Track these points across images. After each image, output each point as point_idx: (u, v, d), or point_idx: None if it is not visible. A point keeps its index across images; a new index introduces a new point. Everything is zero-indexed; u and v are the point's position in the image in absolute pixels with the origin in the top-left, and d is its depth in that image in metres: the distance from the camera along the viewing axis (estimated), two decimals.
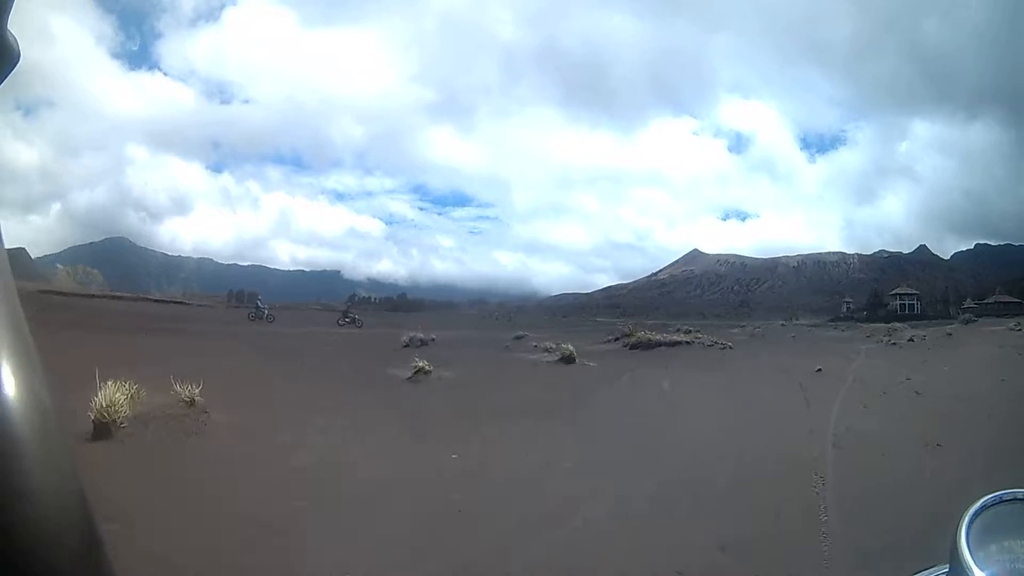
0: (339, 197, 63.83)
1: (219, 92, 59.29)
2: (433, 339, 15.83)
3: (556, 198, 71.47)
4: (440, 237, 61.85)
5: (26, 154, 48.17)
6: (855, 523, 4.40)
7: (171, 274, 59.88)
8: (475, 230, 66.95)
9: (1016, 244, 48.30)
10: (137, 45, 56.86)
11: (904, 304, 42.61)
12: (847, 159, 59.26)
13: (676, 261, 61.41)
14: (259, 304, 29.10)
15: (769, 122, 67.08)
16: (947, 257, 54.64)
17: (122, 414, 5.79)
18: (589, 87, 72.35)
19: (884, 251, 56.46)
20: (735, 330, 27.12)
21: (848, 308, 46.19)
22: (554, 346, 13.81)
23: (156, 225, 56.65)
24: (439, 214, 66.60)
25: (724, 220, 61.98)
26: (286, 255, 60.00)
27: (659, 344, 15.65)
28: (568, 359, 12.68)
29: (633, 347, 15.72)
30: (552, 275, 59.79)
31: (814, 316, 44.42)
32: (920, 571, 0.86)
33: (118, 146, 56.14)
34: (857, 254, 56.97)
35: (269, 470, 5.38)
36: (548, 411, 8.55)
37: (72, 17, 48.85)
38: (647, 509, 4.81)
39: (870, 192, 70.82)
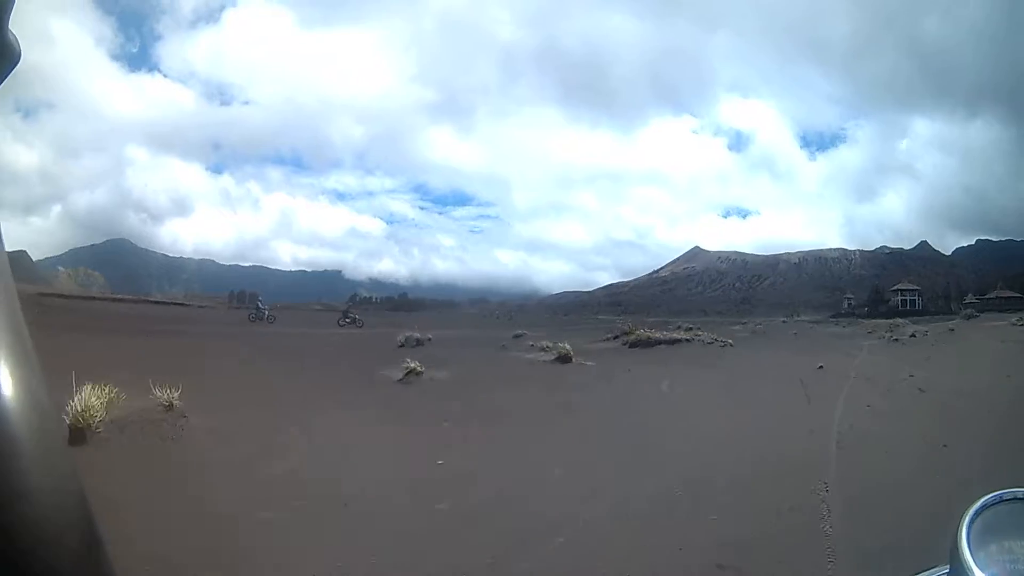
0: (340, 197, 64.17)
1: (219, 93, 59.64)
2: (429, 339, 15.69)
3: (556, 197, 71.77)
4: (441, 236, 62.06)
5: (26, 156, 48.41)
6: (861, 529, 4.21)
7: (172, 275, 59.99)
8: (476, 229, 67.21)
9: (1017, 240, 48.38)
10: (137, 47, 57.22)
11: (905, 300, 42.50)
12: (847, 156, 59.38)
13: (677, 258, 61.44)
14: (259, 305, 29.14)
15: (769, 120, 67.21)
16: (948, 253, 54.70)
17: (98, 419, 5.66)
18: (589, 87, 72.67)
19: (885, 247, 56.47)
20: (736, 327, 26.92)
21: (849, 304, 46.09)
22: (551, 345, 13.63)
23: (157, 227, 56.99)
24: (440, 213, 66.89)
25: (725, 217, 62.28)
26: (287, 255, 60.30)
27: (658, 342, 15.47)
28: (564, 358, 12.50)
29: (632, 345, 15.55)
30: (553, 273, 59.96)
31: (815, 312, 44.25)
32: (920, 571, 0.85)
33: (118, 148, 56.49)
34: (858, 250, 57.00)
35: (239, 478, 5.17)
36: (540, 413, 8.33)
37: (72, 19, 49.14)
38: (639, 521, 4.58)
39: (870, 189, 70.98)
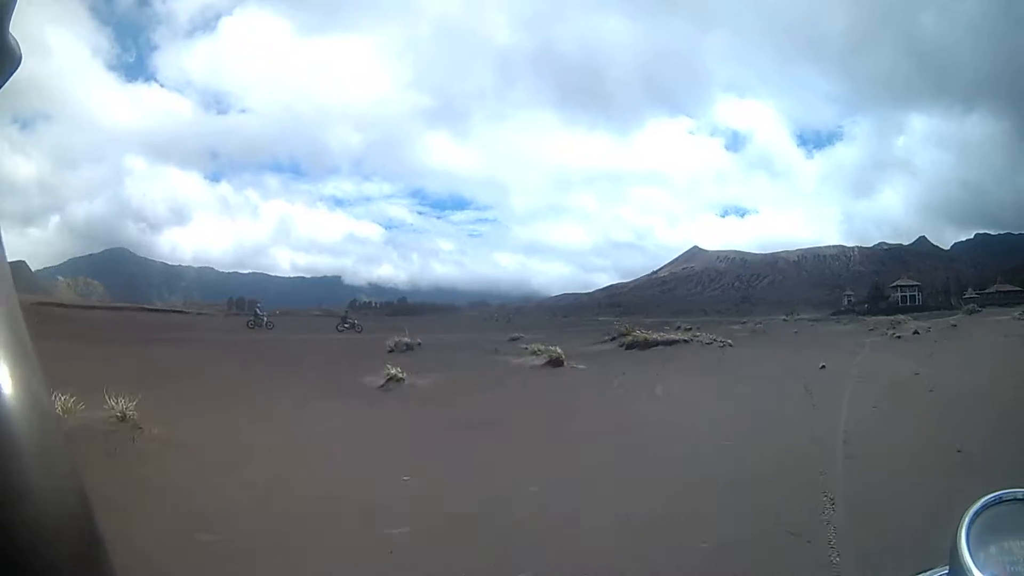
0: (338, 203, 64.14)
1: (216, 102, 59.54)
2: (419, 343, 15.39)
3: (555, 199, 71.63)
4: (440, 240, 61.89)
5: (24, 167, 48.37)
6: (872, 559, 3.80)
7: (172, 283, 60.03)
8: (474, 233, 67.29)
9: (1016, 233, 48.22)
10: (133, 57, 57.14)
11: (905, 296, 42.33)
12: (844, 154, 59.25)
13: (676, 258, 61.29)
14: (258, 311, 29.07)
15: (765, 120, 67.18)
16: (947, 248, 54.55)
17: None
18: (585, 89, 72.54)
19: (884, 243, 56.34)
20: (736, 326, 26.69)
21: (849, 301, 45.92)
22: (542, 349, 13.26)
23: (156, 235, 57.07)
24: (438, 218, 66.75)
25: (723, 217, 61.94)
26: (286, 262, 60.29)
27: (656, 343, 15.12)
28: (556, 362, 12.14)
29: (629, 347, 15.21)
30: (552, 275, 59.83)
31: (815, 310, 44.04)
32: (920, 572, 0.85)
33: (116, 158, 56.45)
34: (857, 247, 56.85)
35: (186, 494, 4.81)
36: (521, 423, 7.90)
37: (69, 30, 48.98)
38: (616, 550, 4.10)
39: (868, 186, 70.80)
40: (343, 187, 69.91)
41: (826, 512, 4.45)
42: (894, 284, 44.28)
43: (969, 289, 40.46)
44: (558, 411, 8.71)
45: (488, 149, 68.46)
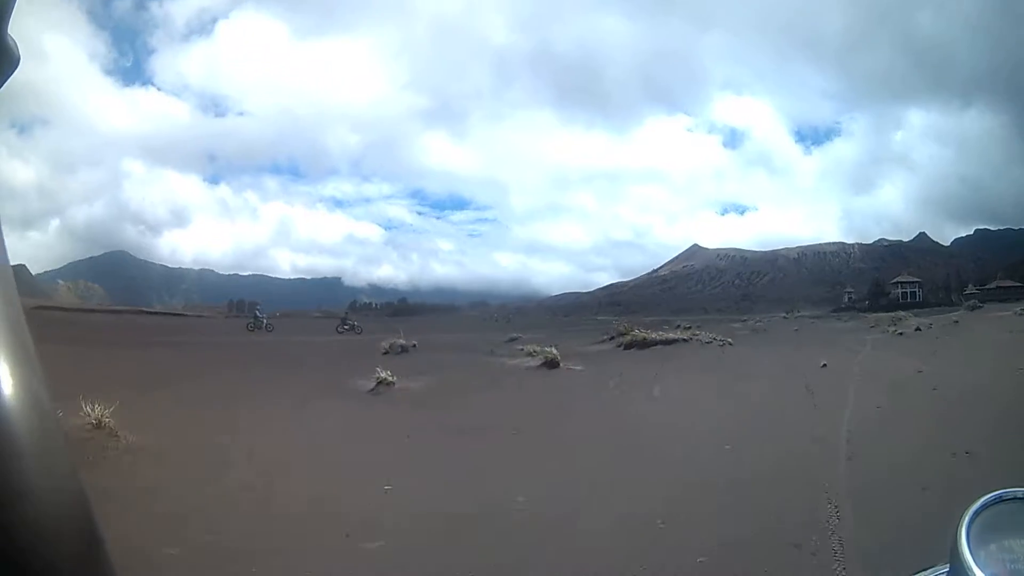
0: (337, 204, 64.07)
1: (214, 105, 59.30)
2: (414, 345, 15.25)
3: (554, 198, 71.49)
4: (439, 241, 61.68)
5: (23, 172, 48.27)
6: (877, 554, 3.64)
7: (172, 286, 59.99)
8: (474, 233, 67.09)
9: (1016, 228, 48.08)
10: (130, 61, 57.00)
11: (906, 292, 42.21)
12: (843, 150, 59.06)
13: (676, 257, 61.18)
14: (257, 314, 29.14)
15: (763, 117, 66.98)
16: (947, 244, 54.39)
17: None
18: (583, 88, 72.32)
19: (883, 240, 56.17)
20: (736, 324, 26.57)
21: (850, 298, 45.78)
22: (538, 350, 13.09)
23: (155, 238, 57.02)
24: (437, 218, 66.49)
25: (723, 215, 61.77)
26: (286, 263, 60.08)
27: (655, 343, 14.95)
28: (551, 363, 11.98)
29: (627, 347, 15.04)
30: (552, 275, 59.70)
31: (816, 307, 43.90)
32: (920, 571, 0.85)
33: (114, 161, 56.26)
34: (857, 244, 56.69)
35: (154, 503, 4.62)
36: (510, 430, 7.67)
37: (65, 35, 48.83)
38: (613, 551, 3.96)
39: (867, 182, 70.71)
40: (342, 188, 69.80)
41: (826, 512, 4.34)
42: (895, 280, 44.14)
43: (970, 285, 40.27)
44: (548, 417, 8.51)
45: (487, 149, 68.29)
